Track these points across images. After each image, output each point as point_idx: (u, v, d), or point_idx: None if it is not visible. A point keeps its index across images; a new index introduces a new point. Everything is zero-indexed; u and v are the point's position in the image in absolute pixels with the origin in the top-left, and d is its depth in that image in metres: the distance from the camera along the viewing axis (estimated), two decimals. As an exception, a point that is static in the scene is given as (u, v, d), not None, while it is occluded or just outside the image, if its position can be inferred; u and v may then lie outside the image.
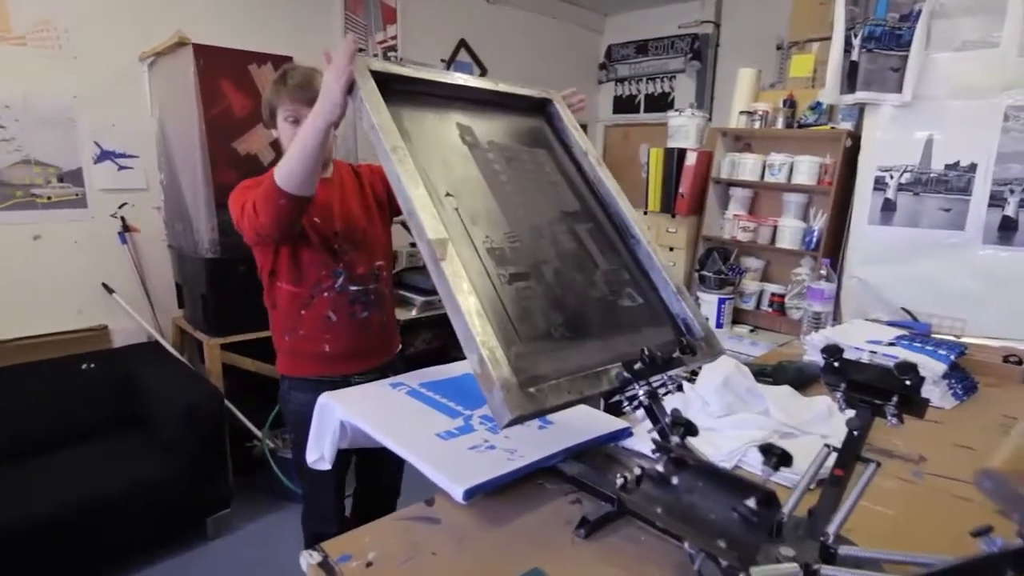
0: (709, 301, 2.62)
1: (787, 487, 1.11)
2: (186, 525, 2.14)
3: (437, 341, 3.44)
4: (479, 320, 0.76)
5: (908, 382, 0.83)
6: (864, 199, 2.34)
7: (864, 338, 1.75)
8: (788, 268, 2.67)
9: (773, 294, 2.68)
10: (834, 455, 0.93)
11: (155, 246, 2.62)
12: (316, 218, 1.39)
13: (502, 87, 1.17)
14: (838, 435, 1.32)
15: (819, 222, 2.49)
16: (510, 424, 0.73)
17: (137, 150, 2.52)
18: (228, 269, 2.35)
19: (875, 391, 0.89)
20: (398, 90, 1.00)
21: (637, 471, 0.74)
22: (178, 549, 2.12)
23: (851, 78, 2.29)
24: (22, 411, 2.08)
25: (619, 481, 0.81)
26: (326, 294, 1.45)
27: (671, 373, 0.89)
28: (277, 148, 1.54)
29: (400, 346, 1.64)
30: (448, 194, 0.92)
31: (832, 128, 2.48)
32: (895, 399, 0.84)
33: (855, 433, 0.93)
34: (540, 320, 0.87)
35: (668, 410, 0.88)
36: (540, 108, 1.25)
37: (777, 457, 0.84)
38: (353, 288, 1.47)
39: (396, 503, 1.67)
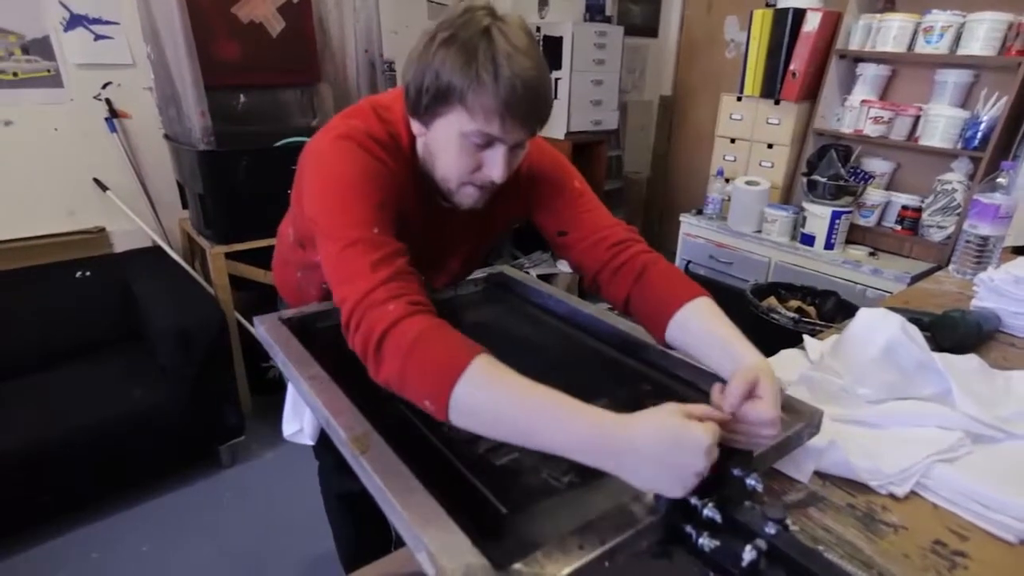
0: (819, 215, 2.06)
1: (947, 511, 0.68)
2: (196, 453, 1.94)
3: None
4: (425, 508, 0.56)
5: None
6: (1070, 75, 1.66)
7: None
8: (929, 173, 2.05)
9: (904, 207, 2.08)
10: None
11: (151, 135, 2.25)
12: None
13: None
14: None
15: (992, 109, 1.82)
16: None
17: (115, 15, 2.07)
18: (227, 164, 1.97)
19: None
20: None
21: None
22: (190, 479, 1.95)
23: None
24: (7, 325, 1.85)
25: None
26: None
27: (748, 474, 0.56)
28: (405, 125, 0.81)
29: None
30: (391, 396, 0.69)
31: (1036, -31, 1.74)
32: None
33: None
34: (532, 477, 0.67)
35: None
36: (496, 281, 1.22)
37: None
38: None
39: None
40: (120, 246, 2.25)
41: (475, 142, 0.73)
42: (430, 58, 0.70)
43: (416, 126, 0.77)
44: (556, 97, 3.13)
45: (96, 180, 2.16)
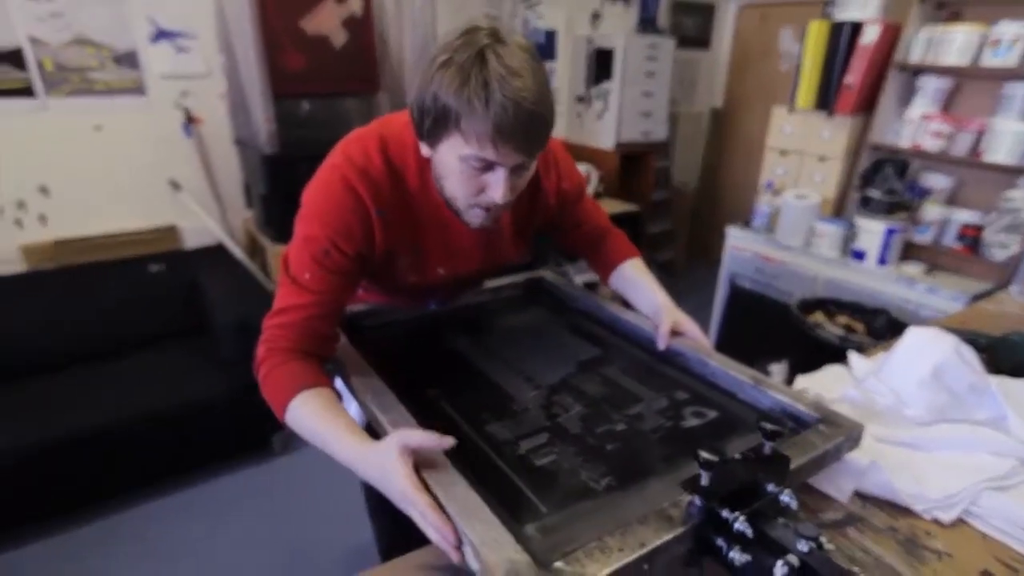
0: (871, 230, 2.02)
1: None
2: (251, 441, 2.06)
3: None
4: (468, 502, 0.59)
5: None
6: None
7: None
8: (993, 190, 1.97)
9: (965, 225, 2.01)
10: None
11: (222, 140, 2.41)
12: (441, 268, 0.95)
13: (487, 286, 1.18)
14: None
15: (1064, 125, 1.75)
16: None
17: (195, 28, 2.24)
18: (288, 167, 2.10)
19: None
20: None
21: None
22: (243, 465, 2.06)
23: None
24: (87, 315, 2.01)
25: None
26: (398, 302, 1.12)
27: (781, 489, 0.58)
28: (416, 158, 0.83)
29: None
30: (431, 387, 0.88)
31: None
32: None
33: None
34: (571, 479, 0.70)
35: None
36: (535, 286, 1.26)
37: None
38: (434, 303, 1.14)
39: None
40: (190, 243, 2.41)
41: (474, 165, 0.73)
42: (429, 81, 0.70)
43: (424, 148, 0.78)
44: (606, 108, 3.16)
45: (171, 181, 2.33)
